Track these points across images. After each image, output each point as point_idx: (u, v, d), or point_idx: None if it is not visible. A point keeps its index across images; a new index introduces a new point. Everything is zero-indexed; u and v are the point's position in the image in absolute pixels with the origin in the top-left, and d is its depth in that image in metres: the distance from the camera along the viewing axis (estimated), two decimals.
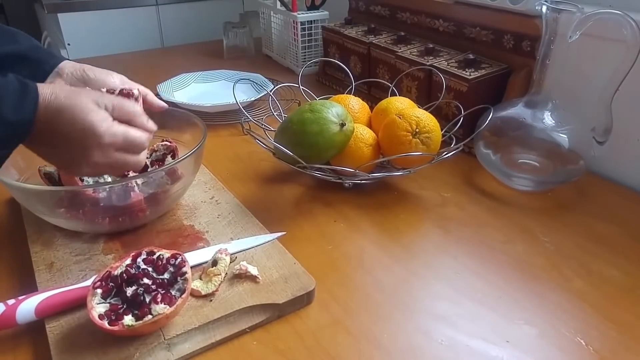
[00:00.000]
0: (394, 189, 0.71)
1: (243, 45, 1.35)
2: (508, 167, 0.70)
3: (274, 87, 0.91)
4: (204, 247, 0.57)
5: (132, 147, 0.51)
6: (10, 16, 2.44)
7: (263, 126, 0.77)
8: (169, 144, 0.66)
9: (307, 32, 1.16)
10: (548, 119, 0.67)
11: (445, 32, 0.91)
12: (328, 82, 1.12)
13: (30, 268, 0.53)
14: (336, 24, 1.09)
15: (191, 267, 0.49)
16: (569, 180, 0.69)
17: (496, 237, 0.61)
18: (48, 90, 0.47)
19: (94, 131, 0.47)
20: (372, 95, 0.99)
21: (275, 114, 0.79)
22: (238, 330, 0.47)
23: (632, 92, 0.67)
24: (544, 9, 0.63)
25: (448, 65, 0.81)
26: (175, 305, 0.44)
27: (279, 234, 0.58)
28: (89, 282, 0.48)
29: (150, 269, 0.47)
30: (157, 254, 0.49)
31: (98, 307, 0.44)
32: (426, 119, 0.66)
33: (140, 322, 0.42)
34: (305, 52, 1.18)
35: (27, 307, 0.45)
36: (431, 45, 0.86)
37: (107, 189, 0.56)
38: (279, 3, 1.20)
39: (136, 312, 0.43)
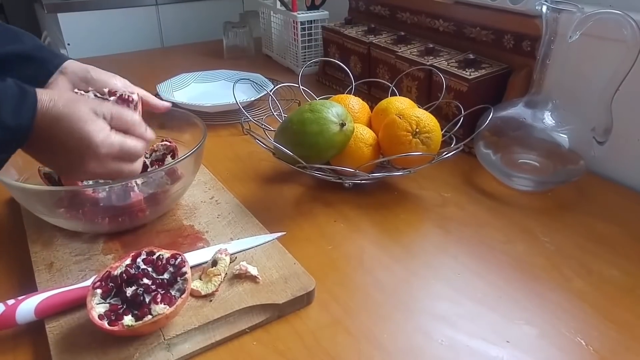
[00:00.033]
0: (394, 189, 0.71)
1: (243, 45, 1.35)
2: (508, 167, 0.70)
3: (274, 87, 0.91)
4: (203, 247, 0.57)
5: (128, 156, 0.51)
6: (10, 16, 2.44)
7: (263, 126, 0.77)
8: (168, 144, 0.66)
9: (307, 32, 1.16)
10: (548, 119, 0.67)
11: (446, 32, 0.91)
12: (328, 82, 1.12)
13: (30, 268, 0.53)
14: (336, 24, 1.09)
15: (191, 267, 0.49)
16: (569, 180, 0.69)
17: (496, 237, 0.61)
18: (47, 97, 0.47)
19: (91, 141, 0.48)
20: (372, 95, 0.99)
21: (275, 114, 0.79)
22: (238, 331, 0.47)
23: (632, 92, 0.67)
24: (544, 9, 0.63)
25: (448, 65, 0.81)
26: (175, 306, 0.44)
27: (279, 234, 0.58)
28: (88, 282, 0.48)
29: (150, 269, 0.47)
30: (157, 254, 0.49)
31: (98, 307, 0.44)
32: (426, 119, 0.66)
33: (140, 322, 0.42)
34: (305, 52, 1.18)
35: (27, 307, 0.45)
36: (431, 45, 0.86)
37: (107, 189, 0.56)
38: (279, 3, 1.19)
39: (136, 312, 0.43)
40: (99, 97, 0.55)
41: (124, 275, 0.46)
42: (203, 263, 0.53)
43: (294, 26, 1.16)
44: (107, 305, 0.44)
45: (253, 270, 0.51)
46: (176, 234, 0.59)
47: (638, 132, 0.71)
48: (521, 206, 0.67)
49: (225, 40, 1.34)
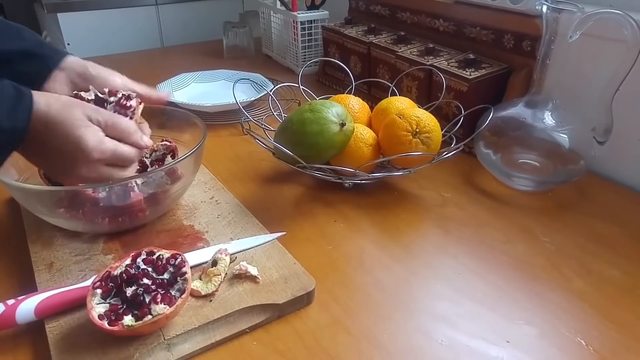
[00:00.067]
0: (394, 189, 0.71)
1: (243, 45, 1.35)
2: (508, 167, 0.70)
3: (274, 87, 0.91)
4: (203, 247, 0.56)
5: (121, 162, 0.52)
6: (10, 16, 2.44)
7: (263, 126, 0.77)
8: (168, 144, 0.65)
9: (307, 31, 1.16)
10: (548, 118, 0.67)
11: (446, 31, 0.91)
12: (328, 82, 1.12)
13: (30, 268, 0.53)
14: (336, 24, 1.09)
15: (191, 267, 0.49)
16: (569, 180, 0.69)
17: (496, 237, 0.61)
18: (43, 100, 0.47)
19: (84, 147, 0.48)
20: (372, 95, 0.99)
21: (275, 113, 0.79)
22: (238, 331, 0.47)
23: (633, 92, 0.67)
24: (544, 8, 0.63)
25: (448, 65, 0.81)
26: (175, 306, 0.44)
27: (279, 234, 0.58)
28: (88, 282, 0.48)
29: (150, 269, 0.47)
30: (157, 254, 0.49)
31: (98, 308, 0.44)
32: (426, 119, 0.66)
33: (140, 322, 0.42)
34: (305, 52, 1.18)
35: (27, 307, 0.45)
36: (431, 45, 0.86)
37: (107, 189, 0.56)
38: (279, 3, 1.19)
39: (136, 312, 0.43)
40: (100, 97, 0.55)
41: (124, 275, 0.46)
42: (203, 263, 0.53)
43: (294, 26, 1.16)
44: (107, 305, 0.44)
45: (253, 270, 0.51)
46: (176, 234, 0.59)
47: (638, 132, 0.71)
48: (521, 206, 0.67)
49: (225, 40, 1.34)
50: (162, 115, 0.67)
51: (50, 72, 0.57)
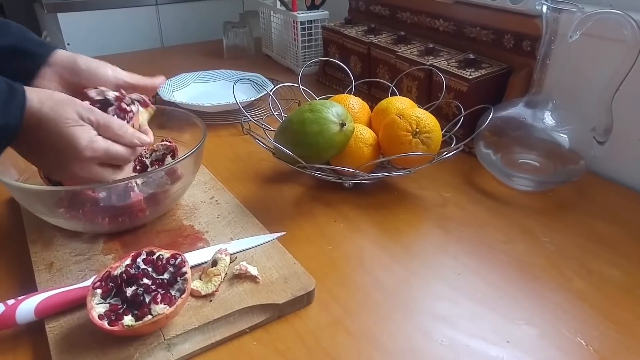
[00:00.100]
0: (394, 189, 0.71)
1: (243, 45, 1.35)
2: (508, 167, 0.70)
3: (274, 87, 0.91)
4: (203, 247, 0.56)
5: (114, 162, 0.52)
6: (10, 16, 2.44)
7: (263, 126, 0.77)
8: (168, 143, 0.66)
9: (307, 32, 1.16)
10: (548, 118, 0.67)
11: (446, 31, 0.91)
12: (328, 82, 1.12)
13: (29, 268, 0.53)
14: (336, 24, 1.09)
15: (191, 267, 0.49)
16: (569, 180, 0.69)
17: (496, 237, 0.61)
18: (36, 97, 0.47)
19: (76, 145, 0.48)
20: (372, 95, 0.99)
21: (275, 113, 0.79)
22: (238, 331, 0.47)
23: (633, 92, 0.67)
24: (544, 8, 0.63)
25: (448, 65, 0.81)
26: (175, 306, 0.44)
27: (279, 234, 0.58)
28: (88, 282, 0.48)
29: (150, 269, 0.47)
30: (157, 254, 0.49)
31: (98, 308, 0.44)
32: (426, 119, 0.66)
33: (140, 322, 0.42)
34: (305, 52, 1.18)
35: (27, 307, 0.45)
36: (431, 45, 0.86)
37: (107, 189, 0.56)
38: (279, 3, 1.19)
39: (136, 312, 0.43)
40: (107, 99, 0.54)
41: (124, 275, 0.46)
42: (203, 263, 0.53)
43: (294, 26, 1.16)
44: (107, 305, 0.44)
45: (253, 270, 0.51)
46: (176, 234, 0.59)
47: (638, 132, 0.71)
48: (521, 206, 0.67)
49: (225, 40, 1.34)
50: (162, 115, 0.67)
51: (39, 69, 0.56)
